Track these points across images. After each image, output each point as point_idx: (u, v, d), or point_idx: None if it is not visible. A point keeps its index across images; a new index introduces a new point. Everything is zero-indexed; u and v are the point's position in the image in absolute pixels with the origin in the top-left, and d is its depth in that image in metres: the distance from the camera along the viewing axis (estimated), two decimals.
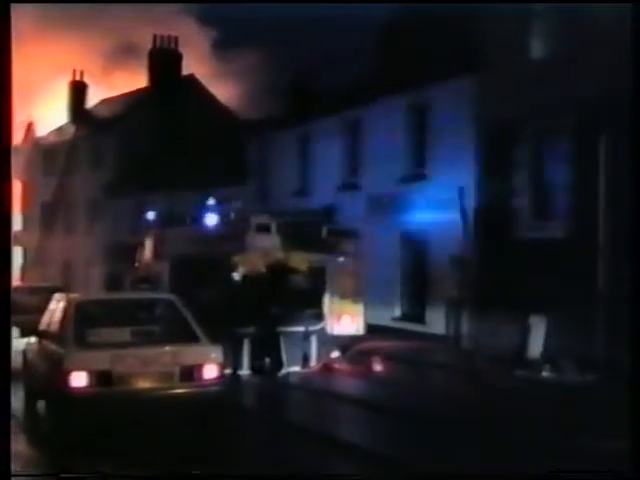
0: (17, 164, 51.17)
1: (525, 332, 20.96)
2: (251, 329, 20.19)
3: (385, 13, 33.38)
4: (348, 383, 19.81)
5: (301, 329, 20.75)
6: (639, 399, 9.43)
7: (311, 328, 21.00)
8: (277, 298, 20.59)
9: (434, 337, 24.84)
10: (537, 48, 22.92)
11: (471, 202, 24.72)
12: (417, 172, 27.71)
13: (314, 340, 21.25)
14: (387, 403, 16.87)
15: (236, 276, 20.94)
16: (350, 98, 30.94)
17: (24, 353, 16.41)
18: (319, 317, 21.53)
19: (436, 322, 25.37)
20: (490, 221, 24.03)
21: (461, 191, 24.31)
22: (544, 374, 19.54)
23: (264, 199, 33.89)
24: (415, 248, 27.79)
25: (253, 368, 20.31)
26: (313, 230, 22.81)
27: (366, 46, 34.09)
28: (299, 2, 39.56)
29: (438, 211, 25.91)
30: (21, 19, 52.62)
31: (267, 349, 20.51)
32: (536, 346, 20.84)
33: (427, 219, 26.49)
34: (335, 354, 21.66)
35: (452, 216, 25.14)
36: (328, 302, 21.94)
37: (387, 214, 28.15)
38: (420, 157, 27.74)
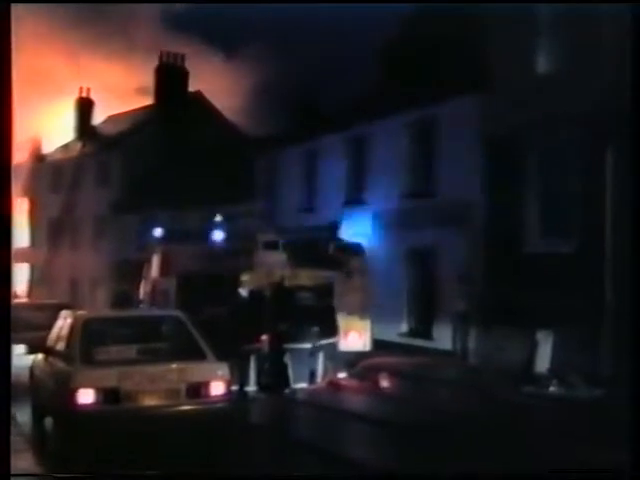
0: (24, 181, 51.34)
1: (532, 347, 20.93)
2: (258, 346, 20.18)
3: (388, 29, 33.53)
4: (355, 399, 19.78)
5: (307, 346, 20.74)
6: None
7: (319, 344, 20.98)
8: (284, 315, 20.58)
9: (441, 353, 24.83)
10: (541, 61, 22.96)
11: (478, 217, 24.76)
12: (423, 188, 27.73)
13: (321, 356, 21.23)
14: (394, 419, 16.85)
15: (243, 293, 20.96)
16: (355, 115, 31.01)
17: (31, 370, 16.43)
18: (329, 333, 21.48)
19: (443, 338, 25.34)
20: (497, 236, 24.03)
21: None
22: (551, 389, 19.51)
23: (271, 216, 33.92)
24: (421, 263, 27.79)
25: (260, 385, 20.29)
26: (320, 246, 22.84)
27: (370, 62, 34.18)
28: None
29: (444, 226, 25.94)
30: (28, 34, 52.90)
31: (274, 366, 20.49)
32: (543, 361, 20.81)
33: (433, 234, 26.51)
34: (342, 370, 21.65)
35: (458, 231, 25.20)
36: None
37: (393, 230, 28.18)
38: (426, 173, 27.76)
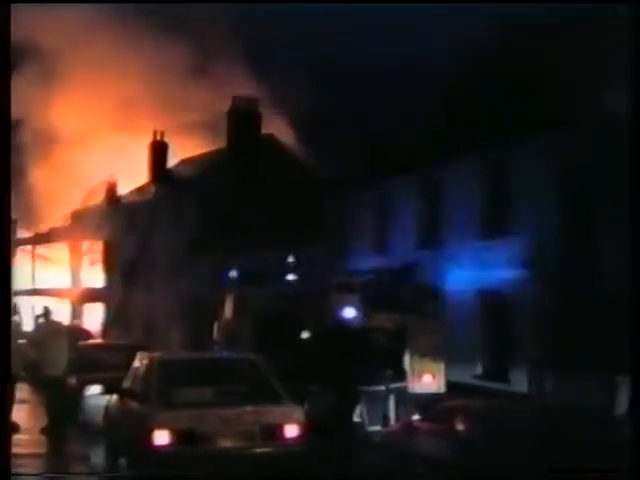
0: (99, 223, 52.04)
1: (611, 390, 20.57)
2: (332, 388, 20.12)
3: (460, 70, 33.56)
4: (430, 442, 19.58)
5: (382, 388, 20.63)
6: None
7: (391, 387, 20.88)
8: (356, 357, 20.52)
9: (518, 396, 24.50)
10: (618, 98, 22.70)
11: (554, 259, 24.51)
12: (496, 229, 27.53)
13: (393, 399, 21.10)
14: (469, 463, 16.65)
15: (316, 335, 20.96)
16: (428, 156, 30.95)
17: (106, 410, 16.57)
18: (399, 376, 21.38)
19: (519, 380, 25.01)
20: (573, 278, 23.74)
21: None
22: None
23: (344, 258, 33.91)
24: (496, 306, 27.53)
25: (333, 427, 20.15)
26: (393, 288, 22.76)
27: (443, 102, 34.15)
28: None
29: (519, 268, 25.69)
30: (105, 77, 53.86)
31: (348, 408, 20.40)
32: (622, 404, 20.43)
33: (508, 276, 26.25)
34: (416, 413, 21.45)
35: (533, 273, 24.93)
36: (409, 361, 21.81)
37: (467, 272, 27.96)
38: (499, 214, 27.56)
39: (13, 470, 9.38)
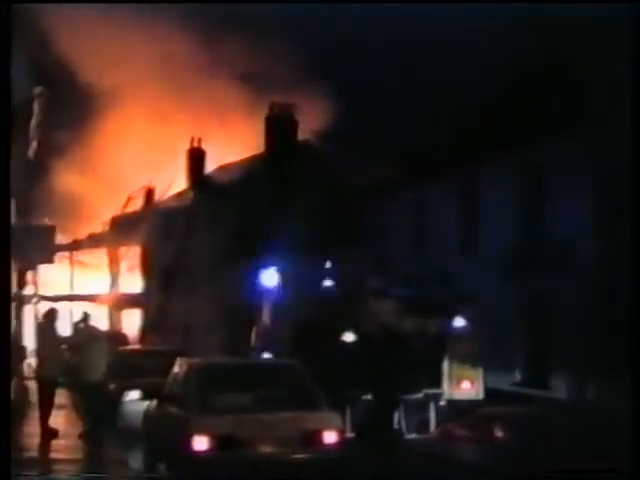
0: (136, 228, 52.28)
1: None
2: (369, 394, 20.09)
3: (494, 74, 33.56)
4: (468, 449, 19.48)
5: (420, 395, 20.59)
6: None
7: (431, 393, 20.83)
8: (393, 363, 20.48)
9: (557, 402, 24.35)
10: None
11: (591, 263, 24.36)
12: (535, 233, 27.39)
13: (432, 406, 21.05)
14: (508, 470, 16.55)
15: (353, 340, 20.92)
16: (466, 160, 30.84)
17: (145, 415, 16.63)
18: (437, 383, 21.33)
19: (558, 387, 24.86)
20: (611, 282, 23.57)
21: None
22: None
23: (380, 263, 33.82)
24: (534, 311, 27.38)
25: (370, 434, 20.12)
26: (430, 294, 22.69)
27: (477, 106, 34.10)
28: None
29: (557, 273, 25.55)
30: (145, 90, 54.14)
31: (385, 415, 20.36)
32: None
33: (546, 281, 26.11)
34: (453, 420, 21.38)
35: (571, 278, 24.79)
36: (447, 367, 21.74)
37: (505, 277, 27.83)
38: (537, 218, 27.44)
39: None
